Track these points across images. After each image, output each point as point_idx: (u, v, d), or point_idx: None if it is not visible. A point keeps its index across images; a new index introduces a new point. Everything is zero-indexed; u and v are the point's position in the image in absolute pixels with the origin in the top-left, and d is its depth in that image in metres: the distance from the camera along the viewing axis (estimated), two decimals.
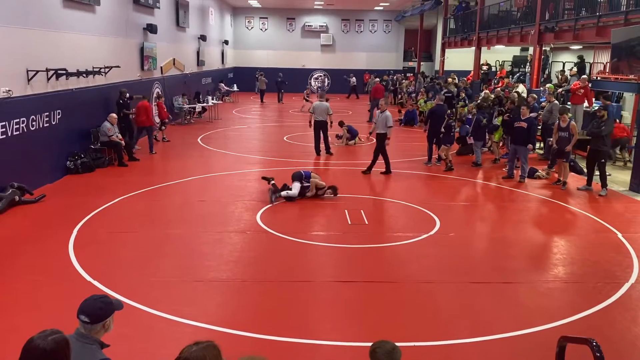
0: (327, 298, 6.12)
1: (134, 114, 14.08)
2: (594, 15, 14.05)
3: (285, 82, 29.28)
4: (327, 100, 14.13)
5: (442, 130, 12.94)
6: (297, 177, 10.13)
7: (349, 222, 8.80)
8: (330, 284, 6.46)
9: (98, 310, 2.86)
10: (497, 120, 14.18)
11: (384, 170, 12.34)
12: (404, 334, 5.19)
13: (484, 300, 6.09)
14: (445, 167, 12.89)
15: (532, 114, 13.26)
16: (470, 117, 13.92)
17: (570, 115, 12.92)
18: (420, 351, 4.98)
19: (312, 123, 14.12)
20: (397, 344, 2.91)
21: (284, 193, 9.96)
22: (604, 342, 4.26)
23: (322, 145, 14.44)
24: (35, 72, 10.12)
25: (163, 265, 6.86)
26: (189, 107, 20.54)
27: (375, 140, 12.66)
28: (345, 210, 9.37)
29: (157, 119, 16.35)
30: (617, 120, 14.51)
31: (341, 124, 16.51)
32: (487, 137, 14.85)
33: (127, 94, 14.08)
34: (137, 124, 14.21)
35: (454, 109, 16.96)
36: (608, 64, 15.83)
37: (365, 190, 10.99)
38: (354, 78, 32.42)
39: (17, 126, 9.59)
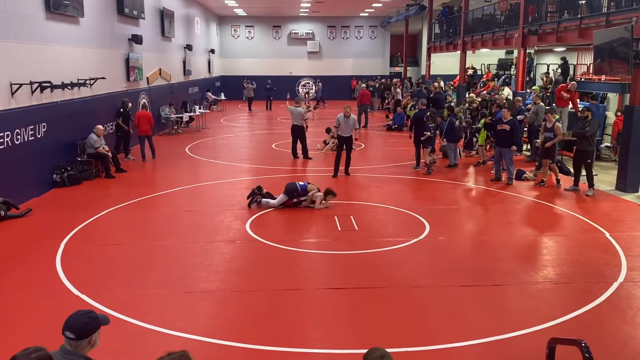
0: (318, 306, 6.10)
1: (132, 127, 14.13)
2: (576, 18, 14.21)
3: (274, 88, 29.35)
4: (308, 107, 14.24)
5: (426, 133, 13.02)
6: (290, 191, 9.87)
7: (339, 229, 8.79)
8: (321, 292, 6.44)
9: (84, 326, 2.83)
10: (480, 123, 14.29)
11: (335, 173, 12.58)
12: (396, 340, 5.17)
13: (474, 304, 6.10)
14: (426, 170, 12.95)
15: (519, 116, 13.39)
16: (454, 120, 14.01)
17: (557, 117, 13.05)
18: (412, 357, 4.97)
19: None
20: (389, 350, 2.90)
21: (264, 201, 9.93)
22: (594, 342, 4.29)
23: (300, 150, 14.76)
24: (19, 85, 10.04)
25: (152, 277, 6.81)
26: (176, 117, 20.46)
27: (338, 144, 12.79)
28: (335, 217, 9.37)
29: None
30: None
31: (328, 130, 16.58)
32: (474, 140, 14.97)
33: (130, 104, 14.10)
34: (139, 133, 14.41)
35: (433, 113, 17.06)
36: (591, 65, 16.00)
37: (355, 196, 10.99)
38: (320, 84, 33.07)
39: (2, 140, 9.48)
